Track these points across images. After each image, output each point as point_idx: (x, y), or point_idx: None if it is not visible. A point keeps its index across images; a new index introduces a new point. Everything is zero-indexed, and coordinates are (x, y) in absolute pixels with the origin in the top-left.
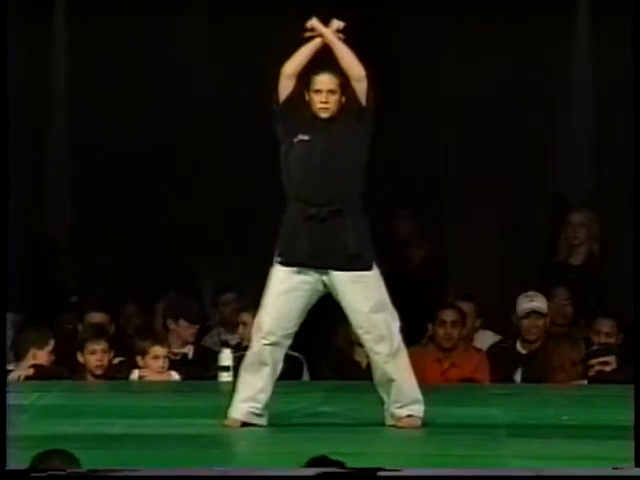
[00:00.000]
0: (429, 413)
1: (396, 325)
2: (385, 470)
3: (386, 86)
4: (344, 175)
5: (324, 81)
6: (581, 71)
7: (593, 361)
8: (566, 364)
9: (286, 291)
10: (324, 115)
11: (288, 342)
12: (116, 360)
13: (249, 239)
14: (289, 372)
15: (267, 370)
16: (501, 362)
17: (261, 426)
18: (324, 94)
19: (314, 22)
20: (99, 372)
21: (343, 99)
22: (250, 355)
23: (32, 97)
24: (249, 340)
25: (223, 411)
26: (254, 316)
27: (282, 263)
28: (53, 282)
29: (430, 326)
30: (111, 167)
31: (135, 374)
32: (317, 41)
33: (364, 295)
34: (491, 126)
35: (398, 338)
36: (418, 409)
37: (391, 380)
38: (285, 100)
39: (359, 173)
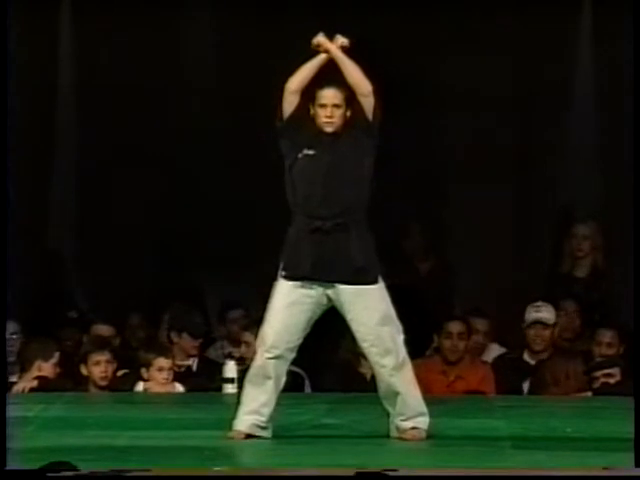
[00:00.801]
0: (434, 425)
1: (401, 338)
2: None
3: (392, 99)
4: (349, 189)
5: (329, 95)
6: (587, 85)
7: (597, 373)
8: (573, 377)
9: (290, 304)
10: (329, 129)
11: (292, 355)
12: (120, 372)
13: (258, 254)
14: (290, 388)
15: (271, 383)
16: (508, 373)
17: (265, 438)
18: (329, 108)
19: (320, 38)
20: (103, 383)
21: (348, 113)
22: (254, 368)
23: (38, 105)
24: (251, 359)
25: (227, 423)
26: (257, 335)
27: (286, 277)
28: (58, 294)
29: (436, 338)
30: (117, 178)
31: (139, 386)
32: (322, 57)
33: (370, 308)
34: (497, 139)
35: (403, 351)
36: (423, 422)
37: (396, 393)
38: (289, 116)
39: (364, 187)
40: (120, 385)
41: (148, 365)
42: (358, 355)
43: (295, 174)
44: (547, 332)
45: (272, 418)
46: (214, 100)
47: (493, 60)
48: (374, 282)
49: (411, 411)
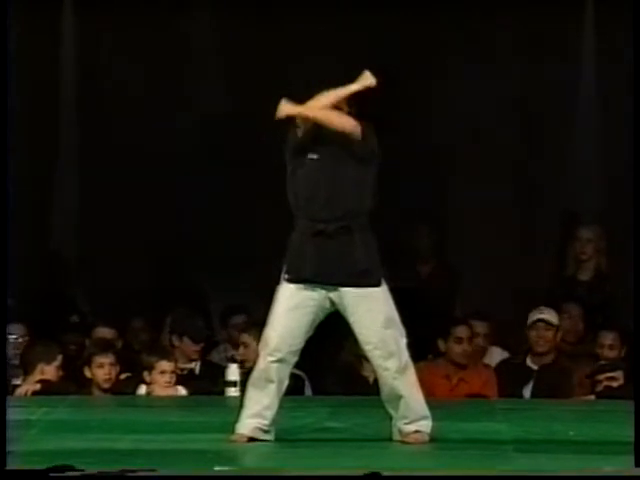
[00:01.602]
0: (436, 428)
1: (404, 341)
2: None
3: (394, 101)
4: (352, 192)
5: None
6: (591, 87)
7: (600, 376)
8: (578, 381)
9: (293, 308)
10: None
11: (294, 359)
12: (123, 375)
13: (260, 257)
14: (291, 390)
15: (273, 387)
16: (511, 378)
17: (268, 442)
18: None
19: (285, 109)
20: (106, 386)
21: (352, 112)
22: (256, 371)
23: (39, 106)
24: (250, 360)
25: (230, 426)
26: (255, 337)
27: (289, 280)
28: (60, 297)
29: (441, 342)
30: (120, 182)
31: (142, 389)
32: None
33: (373, 311)
34: (500, 141)
35: (406, 354)
36: (426, 425)
37: (399, 396)
38: (292, 124)
39: (367, 190)
40: (123, 388)
41: (150, 368)
42: (361, 358)
43: (297, 178)
44: (550, 333)
45: (275, 421)
46: (216, 101)
47: (497, 61)
48: (377, 285)
49: (414, 414)
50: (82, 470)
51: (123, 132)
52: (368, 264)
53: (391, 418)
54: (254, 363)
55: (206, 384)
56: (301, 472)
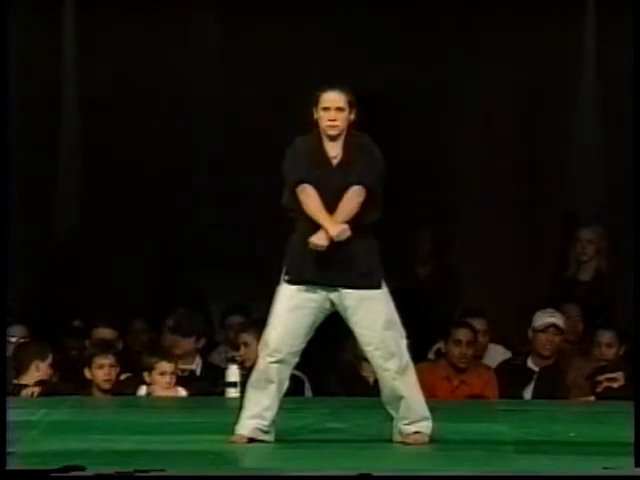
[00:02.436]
0: (437, 429)
1: (404, 342)
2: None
3: (394, 105)
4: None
5: (332, 99)
6: (592, 89)
7: (601, 377)
8: (579, 381)
9: (293, 309)
10: (332, 132)
11: (295, 360)
12: (123, 376)
13: (259, 258)
14: (291, 391)
15: (273, 387)
16: (511, 379)
17: (268, 442)
18: (332, 112)
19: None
20: (107, 387)
21: (351, 116)
22: (256, 372)
23: (41, 108)
24: (250, 360)
25: (230, 427)
26: (255, 336)
27: (290, 281)
28: (61, 299)
29: (442, 343)
30: (121, 183)
31: (142, 390)
32: None
33: (374, 312)
34: (500, 143)
35: (406, 355)
36: (426, 426)
37: (400, 397)
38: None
39: (367, 193)
40: (123, 389)
41: (151, 369)
42: (361, 359)
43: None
44: (557, 338)
45: (275, 422)
46: (218, 100)
47: (497, 66)
48: (378, 287)
49: (414, 415)
50: (83, 469)
51: (124, 133)
52: (369, 266)
53: (392, 419)
54: (254, 363)
55: (206, 385)
56: (301, 473)
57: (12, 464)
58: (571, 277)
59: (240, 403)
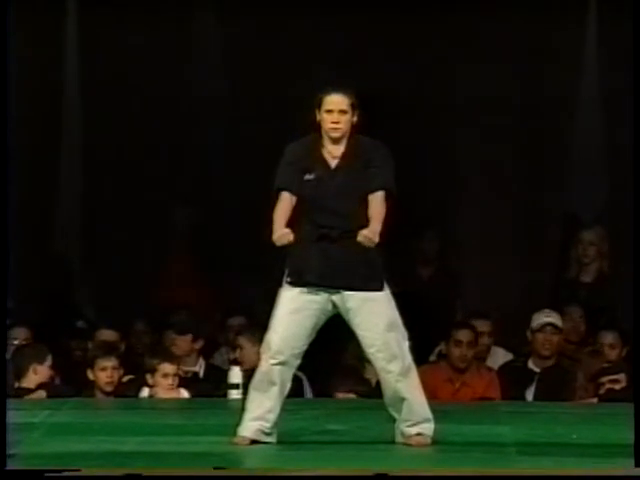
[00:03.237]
0: (439, 431)
1: (406, 344)
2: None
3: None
4: (358, 204)
5: (335, 101)
6: (593, 90)
7: (603, 379)
8: (580, 383)
9: (295, 311)
10: (335, 135)
11: (297, 362)
12: (126, 378)
13: (262, 260)
14: (290, 391)
15: (276, 389)
16: (513, 380)
17: (270, 444)
18: (335, 114)
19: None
20: (109, 389)
21: (354, 119)
22: (259, 374)
23: (42, 112)
24: (246, 363)
25: (233, 429)
26: (250, 339)
27: (292, 283)
28: (64, 301)
29: (443, 345)
30: (122, 183)
31: (145, 392)
32: None
33: (376, 314)
34: (502, 145)
35: (409, 357)
36: (428, 428)
37: (402, 399)
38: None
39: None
40: (125, 391)
41: (153, 371)
42: (363, 360)
43: (302, 194)
44: (556, 337)
45: (277, 424)
46: (220, 101)
47: (499, 66)
48: (380, 288)
49: (416, 417)
50: (78, 470)
51: (125, 134)
52: (371, 268)
53: (394, 420)
54: (251, 366)
55: (209, 387)
56: (304, 474)
57: (14, 466)
58: (573, 279)
59: (242, 405)
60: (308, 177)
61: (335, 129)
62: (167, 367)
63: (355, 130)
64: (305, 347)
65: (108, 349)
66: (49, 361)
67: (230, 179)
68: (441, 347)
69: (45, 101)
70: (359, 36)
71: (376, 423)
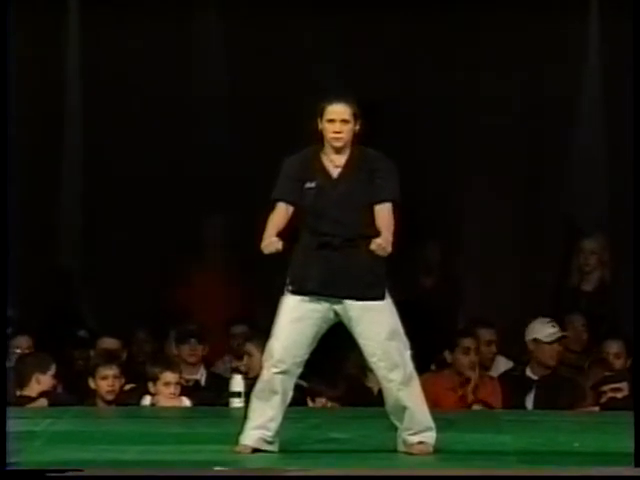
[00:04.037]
0: (441, 439)
1: (408, 353)
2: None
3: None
4: (361, 213)
5: (337, 111)
6: (595, 98)
7: (605, 387)
8: (582, 391)
9: (297, 319)
10: (337, 144)
11: (299, 370)
12: (127, 386)
13: (263, 268)
14: (292, 399)
15: (277, 398)
16: (512, 389)
17: (272, 452)
18: (337, 124)
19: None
20: (110, 397)
21: (356, 127)
22: (260, 383)
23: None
24: (253, 370)
25: (235, 437)
26: (258, 346)
27: (293, 292)
28: (66, 309)
29: (448, 353)
30: (124, 191)
31: (146, 400)
32: None
33: (378, 323)
34: (503, 152)
35: (410, 365)
36: (430, 436)
37: (404, 407)
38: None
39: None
40: (127, 399)
41: (155, 379)
42: (365, 369)
43: (303, 203)
44: (560, 347)
45: (279, 433)
46: (221, 102)
47: (499, 72)
48: (382, 297)
49: (418, 425)
50: (80, 470)
51: (127, 137)
52: (373, 276)
53: (396, 429)
54: (258, 373)
55: (211, 395)
56: (304, 474)
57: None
58: (574, 287)
59: (244, 413)
60: (309, 185)
61: (337, 139)
62: (169, 375)
63: (357, 139)
64: (307, 356)
65: (110, 357)
66: (52, 370)
67: (233, 184)
68: (444, 355)
69: (46, 101)
70: (359, 36)
71: (378, 431)
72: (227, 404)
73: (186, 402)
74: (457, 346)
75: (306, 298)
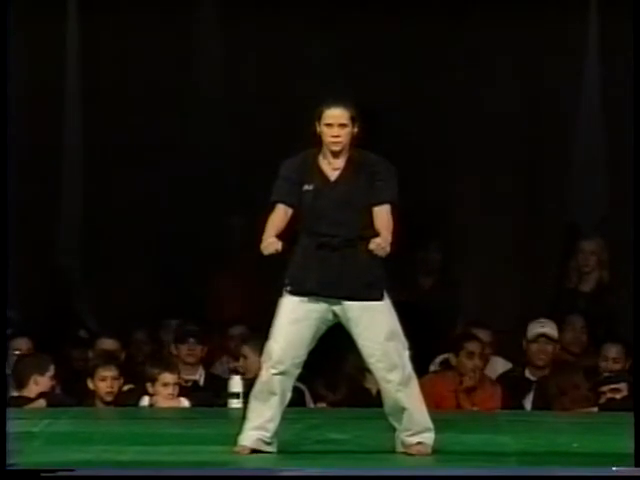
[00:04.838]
0: (440, 440)
1: (406, 353)
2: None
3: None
4: (358, 212)
5: (336, 115)
6: (593, 100)
7: (604, 388)
8: (575, 392)
9: (295, 320)
10: (335, 148)
11: (297, 371)
12: (126, 387)
13: (259, 270)
14: (292, 402)
15: (276, 399)
16: (512, 390)
17: (271, 453)
18: (335, 128)
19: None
20: (109, 399)
21: (355, 130)
22: (259, 384)
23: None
24: (250, 372)
25: (233, 438)
26: (254, 348)
27: (292, 292)
28: (65, 311)
29: (452, 356)
30: (123, 194)
31: (145, 401)
32: None
33: (376, 324)
34: (501, 155)
35: (409, 366)
36: (428, 437)
37: (402, 408)
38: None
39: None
40: (126, 400)
41: (153, 380)
42: (363, 370)
43: (301, 205)
44: (550, 347)
45: (277, 433)
46: (222, 102)
47: (498, 76)
48: (380, 298)
49: (417, 426)
50: (73, 470)
51: (127, 138)
52: (371, 277)
53: (394, 430)
54: (254, 375)
55: (209, 396)
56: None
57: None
58: (572, 288)
59: (243, 414)
60: (307, 188)
61: (335, 143)
62: (167, 376)
63: (356, 142)
64: (305, 357)
65: (108, 358)
66: (51, 372)
67: (231, 188)
68: (446, 357)
69: (45, 102)
70: (359, 37)
71: (376, 432)
72: (225, 405)
73: (185, 403)
74: (462, 349)
75: (305, 299)
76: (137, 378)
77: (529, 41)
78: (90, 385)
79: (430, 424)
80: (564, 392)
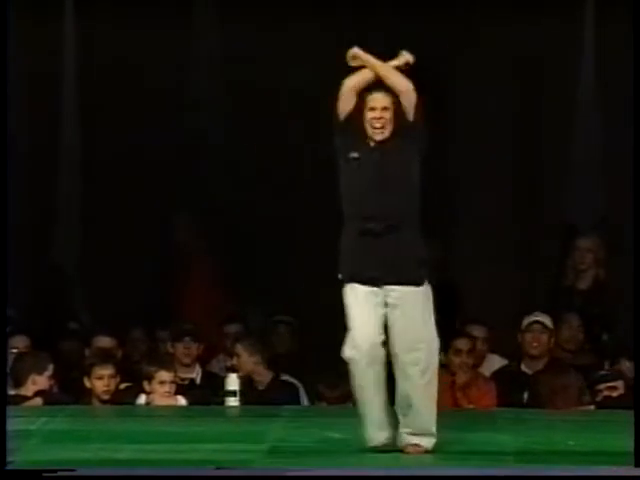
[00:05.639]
0: (438, 438)
1: (436, 352)
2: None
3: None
4: (398, 192)
5: (378, 99)
6: (591, 99)
7: (601, 386)
8: (571, 388)
9: (362, 303)
10: (378, 132)
11: (382, 352)
12: (123, 385)
13: (259, 268)
14: (285, 399)
15: (377, 387)
16: (507, 386)
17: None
18: (378, 111)
19: (356, 51)
20: (106, 397)
21: (396, 116)
22: (355, 379)
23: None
24: (243, 370)
25: (230, 436)
26: (246, 347)
27: (343, 280)
28: (62, 309)
29: (442, 355)
30: (120, 193)
31: (142, 399)
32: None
33: (408, 316)
34: (500, 153)
35: (433, 365)
36: (428, 442)
37: (410, 405)
38: (347, 115)
39: (413, 190)
40: (122, 398)
41: (150, 378)
42: None
43: (345, 178)
44: (544, 336)
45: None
46: (221, 100)
47: (498, 76)
48: (420, 284)
49: (420, 428)
50: (73, 470)
51: (125, 137)
52: (414, 263)
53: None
54: (247, 373)
55: (206, 394)
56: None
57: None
58: (569, 286)
59: (239, 412)
60: (353, 155)
61: (378, 127)
62: (164, 374)
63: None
64: (383, 336)
65: (105, 357)
66: (49, 371)
67: (230, 181)
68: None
69: (45, 101)
70: (359, 36)
71: None
72: (222, 403)
73: (181, 401)
74: (450, 347)
75: (356, 285)
76: (134, 376)
77: (529, 41)
78: (87, 383)
79: (434, 430)
80: (559, 390)
